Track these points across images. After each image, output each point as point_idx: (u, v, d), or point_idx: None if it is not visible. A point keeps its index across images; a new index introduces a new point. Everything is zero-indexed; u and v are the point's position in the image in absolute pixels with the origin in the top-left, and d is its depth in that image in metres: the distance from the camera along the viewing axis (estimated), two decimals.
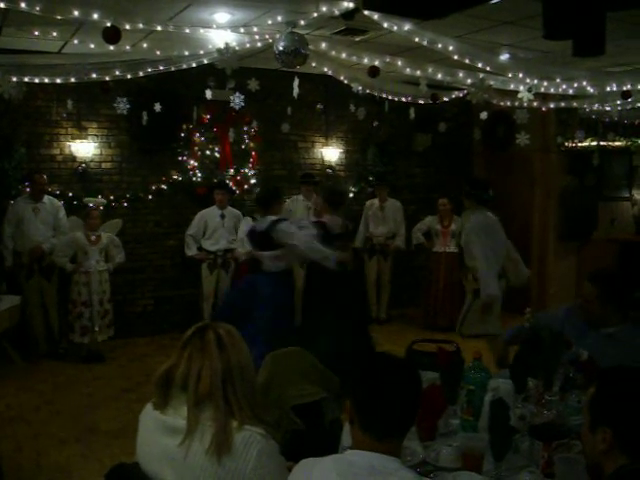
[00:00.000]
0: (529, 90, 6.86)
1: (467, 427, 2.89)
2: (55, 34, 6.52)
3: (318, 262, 6.32)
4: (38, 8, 4.96)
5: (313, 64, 6.90)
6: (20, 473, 4.65)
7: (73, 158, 8.32)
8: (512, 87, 7.45)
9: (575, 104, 8.56)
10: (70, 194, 8.22)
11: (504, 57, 6.98)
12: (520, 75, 6.86)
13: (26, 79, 6.52)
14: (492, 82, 7.33)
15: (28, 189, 7.69)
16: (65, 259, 7.44)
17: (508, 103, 8.42)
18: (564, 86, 7.25)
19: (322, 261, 6.29)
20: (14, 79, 6.22)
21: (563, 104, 8.51)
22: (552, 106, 8.58)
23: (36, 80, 6.71)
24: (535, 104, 8.03)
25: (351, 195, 10.04)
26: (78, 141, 8.30)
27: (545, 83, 7.18)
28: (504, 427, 2.50)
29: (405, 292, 10.12)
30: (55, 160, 8.26)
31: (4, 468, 3.48)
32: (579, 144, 9.71)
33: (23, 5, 4.89)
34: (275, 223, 6.25)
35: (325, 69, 7.36)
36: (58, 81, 6.85)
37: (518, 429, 2.66)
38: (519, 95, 7.01)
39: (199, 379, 2.06)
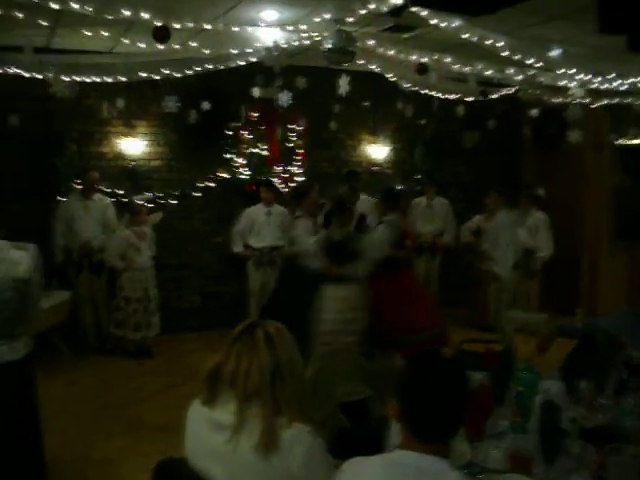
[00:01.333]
0: (581, 86, 6.74)
1: (516, 429, 2.84)
2: (106, 34, 6.60)
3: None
4: (90, 9, 5.05)
5: (361, 61, 6.88)
6: (67, 466, 4.72)
7: (123, 156, 8.45)
8: (563, 83, 7.33)
9: (629, 100, 8.37)
10: (120, 192, 8.35)
11: (555, 53, 6.85)
12: (572, 71, 6.74)
13: (78, 78, 6.63)
14: (543, 78, 7.22)
15: (79, 186, 7.82)
16: (117, 258, 7.53)
17: (559, 100, 8.29)
18: (617, 82, 7.10)
19: None
20: (66, 79, 6.33)
21: (616, 100, 8.33)
22: (605, 102, 8.42)
23: (87, 79, 6.83)
24: (587, 100, 7.89)
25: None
26: (128, 139, 8.43)
27: (598, 79, 7.04)
28: (555, 429, 2.46)
29: (453, 291, 10.02)
30: (105, 158, 8.39)
31: (52, 460, 3.54)
32: (632, 141, 9.50)
33: (75, 6, 4.98)
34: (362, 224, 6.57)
35: (373, 66, 7.34)
36: (109, 80, 6.97)
37: (569, 432, 2.61)
38: (571, 91, 6.89)
39: (247, 376, 2.07)
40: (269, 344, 2.10)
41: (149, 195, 8.26)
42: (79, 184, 7.83)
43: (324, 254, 6.49)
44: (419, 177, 10.02)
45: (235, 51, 6.62)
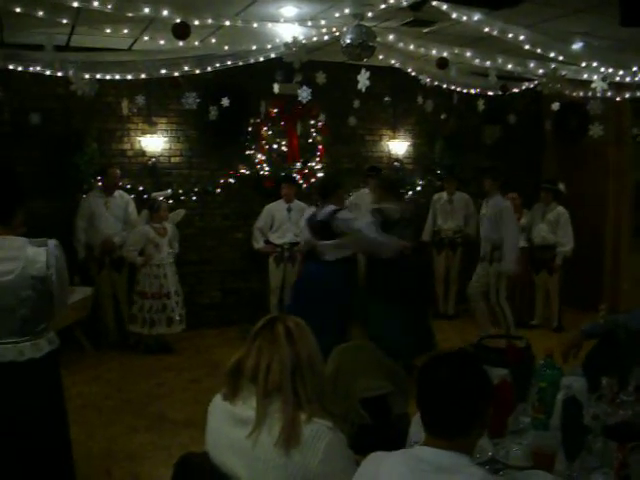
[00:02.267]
0: (603, 79, 6.67)
1: (538, 425, 2.83)
2: (126, 31, 6.65)
3: (376, 251, 6.49)
4: (109, 6, 5.08)
5: (380, 56, 6.88)
6: (91, 460, 4.78)
7: (143, 153, 8.49)
8: (585, 77, 7.28)
9: None
10: (140, 188, 8.39)
11: (577, 46, 6.80)
12: (594, 64, 6.69)
13: (98, 76, 6.67)
14: (564, 72, 7.17)
15: (100, 183, 7.87)
16: (135, 253, 7.56)
17: (581, 93, 8.23)
18: None
19: (380, 250, 6.46)
20: (87, 76, 6.36)
21: (639, 93, 8.26)
22: (627, 96, 8.34)
23: (107, 77, 6.87)
24: (609, 94, 7.83)
25: (418, 188, 9.99)
26: (148, 136, 8.46)
27: (620, 72, 6.98)
28: (577, 426, 2.44)
29: None
30: (126, 155, 8.44)
31: (76, 455, 3.57)
32: None
33: (95, 3, 5.02)
34: (335, 212, 6.32)
35: (393, 61, 7.33)
36: (129, 77, 7.01)
37: (591, 428, 2.59)
38: (593, 85, 6.82)
39: (268, 372, 2.08)
40: (289, 339, 2.11)
41: (169, 191, 8.27)
42: (101, 181, 7.87)
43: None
44: (439, 172, 9.99)
45: (254, 47, 6.64)
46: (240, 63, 6.92)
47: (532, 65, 7.04)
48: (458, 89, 8.49)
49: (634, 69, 6.92)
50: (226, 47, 6.63)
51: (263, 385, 2.08)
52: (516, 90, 8.57)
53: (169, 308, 7.54)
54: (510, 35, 5.87)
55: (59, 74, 6.57)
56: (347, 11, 5.77)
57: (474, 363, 2.08)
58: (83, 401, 6.03)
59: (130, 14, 5.30)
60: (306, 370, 2.09)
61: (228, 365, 2.18)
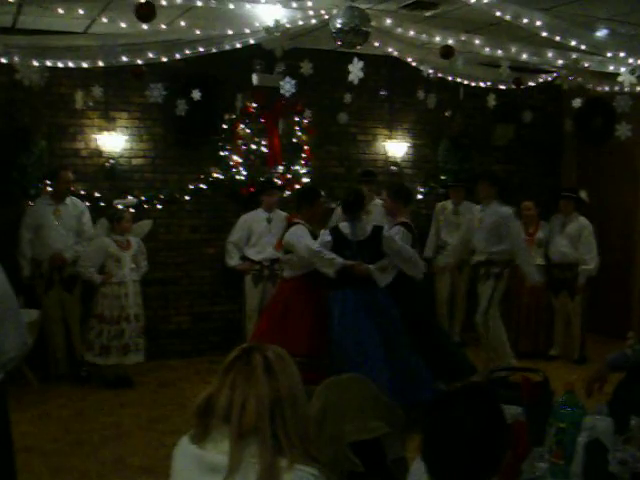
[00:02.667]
0: (632, 72, 6.73)
1: (557, 472, 2.83)
2: (81, 11, 6.64)
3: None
4: None
5: (376, 44, 6.91)
6: None
7: (100, 153, 8.47)
8: (611, 69, 7.34)
9: None
10: (96, 194, 8.37)
11: (601, 33, 6.87)
12: (621, 54, 6.74)
13: (48, 63, 6.67)
14: (587, 63, 7.23)
15: (49, 188, 7.84)
16: (92, 269, 7.52)
17: (606, 88, 8.29)
18: None
19: (321, 268, 6.54)
20: (35, 63, 6.36)
21: None
22: None
23: (59, 64, 6.86)
24: (639, 89, 7.88)
25: (419, 197, 10.00)
26: (106, 133, 8.45)
27: None
28: (601, 473, 2.45)
29: None
30: (79, 155, 8.42)
31: None
32: None
33: None
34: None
35: (390, 49, 7.36)
36: (84, 65, 7.01)
37: (618, 476, 2.60)
38: (620, 78, 6.88)
39: (243, 410, 2.06)
40: (268, 373, 2.10)
41: (134, 200, 8.25)
42: (50, 186, 7.83)
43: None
44: (443, 178, 10.02)
45: (230, 32, 6.65)
46: (213, 50, 6.93)
47: (550, 55, 7.10)
48: (465, 82, 8.54)
49: None
50: (197, 31, 6.65)
51: (237, 426, 2.06)
52: (532, 84, 8.64)
53: (127, 334, 7.50)
54: (525, 20, 5.91)
55: (2, 60, 6.56)
56: None
57: (493, 402, 2.07)
58: (27, 443, 5.95)
59: None
60: (287, 409, 2.08)
61: (196, 402, 2.16)
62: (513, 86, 8.43)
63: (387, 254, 6.52)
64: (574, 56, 7.02)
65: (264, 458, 2.01)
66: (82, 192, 8.25)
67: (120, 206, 7.88)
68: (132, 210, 8.11)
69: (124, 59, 6.81)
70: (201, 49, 6.88)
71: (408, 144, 10.06)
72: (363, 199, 6.80)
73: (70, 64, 6.93)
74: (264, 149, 9.11)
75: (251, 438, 2.05)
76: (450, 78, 8.37)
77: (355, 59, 6.13)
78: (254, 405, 2.05)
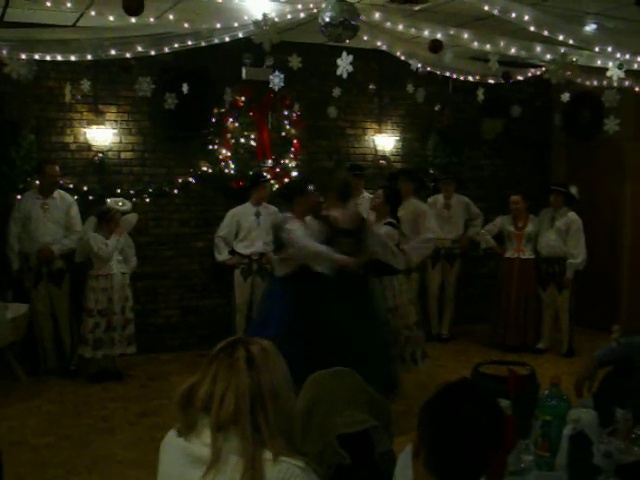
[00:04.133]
0: (620, 67, 6.74)
1: (542, 465, 2.85)
2: (69, 5, 6.60)
3: (311, 265, 6.63)
4: None
5: (365, 37, 6.90)
6: None
7: (88, 147, 8.45)
8: (599, 63, 7.35)
9: None
10: (85, 188, 8.35)
11: (590, 28, 6.89)
12: (609, 49, 6.76)
13: (36, 56, 6.64)
14: (575, 58, 7.23)
15: (37, 182, 7.81)
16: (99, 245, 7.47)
17: (594, 83, 8.31)
18: None
19: (313, 264, 6.60)
20: (23, 56, 6.34)
21: None
22: None
23: (47, 58, 6.84)
24: (627, 83, 7.91)
25: None
26: (94, 127, 8.43)
27: (638, 58, 7.06)
28: (586, 465, 2.46)
29: (471, 305, 10.04)
30: (68, 149, 8.40)
31: None
32: None
33: None
34: (284, 221, 6.59)
35: (379, 43, 7.36)
36: (72, 59, 6.98)
37: (603, 468, 2.62)
38: (608, 73, 6.89)
39: (222, 401, 2.07)
40: (250, 365, 2.10)
41: (129, 204, 8.15)
42: (37, 179, 7.81)
43: None
44: (433, 172, 10.03)
45: (219, 25, 6.64)
46: (202, 44, 6.92)
47: (538, 49, 7.10)
48: (454, 76, 8.55)
49: None
50: (186, 25, 6.62)
51: (216, 417, 2.07)
52: (520, 78, 8.64)
53: (116, 326, 7.53)
54: (513, 15, 5.91)
55: None
56: None
57: (492, 399, 2.09)
58: (15, 438, 5.96)
59: None
60: (269, 401, 2.08)
61: (179, 392, 2.17)
62: (502, 80, 8.44)
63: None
64: (562, 50, 7.02)
65: (244, 450, 2.02)
66: (71, 186, 8.23)
67: (115, 206, 7.80)
68: (124, 209, 8.06)
69: (113, 52, 6.79)
70: (190, 43, 6.86)
71: (397, 138, 10.06)
72: (298, 188, 7.03)
73: (59, 57, 6.91)
74: (253, 143, 9.10)
75: (231, 430, 2.06)
76: (439, 72, 8.38)
77: (344, 53, 6.12)
78: (232, 397, 2.06)
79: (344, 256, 6.50)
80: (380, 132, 9.97)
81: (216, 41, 6.92)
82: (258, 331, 6.42)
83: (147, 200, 8.70)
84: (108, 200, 8.05)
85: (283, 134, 9.26)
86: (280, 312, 6.61)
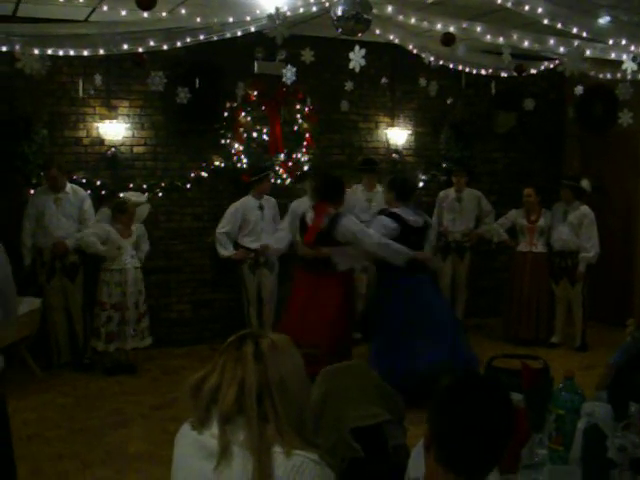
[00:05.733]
0: (633, 59, 6.71)
1: (556, 458, 2.85)
2: (82, 0, 6.63)
3: (388, 260, 6.70)
4: None
5: (377, 31, 6.89)
6: None
7: (101, 141, 8.48)
8: (613, 56, 7.31)
9: None
10: (98, 182, 8.37)
11: (604, 20, 6.84)
12: (623, 42, 6.72)
13: (49, 51, 6.64)
14: (589, 51, 7.20)
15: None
16: (95, 239, 7.50)
17: (608, 76, 8.26)
18: None
19: (393, 260, 6.65)
20: (36, 52, 6.34)
21: None
22: None
23: (60, 53, 6.84)
24: None
25: (421, 184, 9.99)
26: (107, 122, 8.45)
27: None
28: (600, 459, 2.46)
29: (484, 298, 10.03)
30: (81, 144, 8.42)
31: None
32: None
33: None
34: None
35: (391, 37, 7.34)
36: (85, 53, 6.97)
37: (617, 462, 2.61)
38: (623, 66, 6.86)
39: (228, 393, 2.07)
40: (257, 359, 2.10)
41: (144, 198, 8.17)
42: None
43: None
44: (445, 165, 10.01)
45: (231, 19, 6.63)
46: (214, 38, 6.90)
47: (552, 42, 7.06)
48: (467, 70, 8.52)
49: None
50: (198, 19, 6.61)
51: (222, 408, 2.08)
52: (534, 71, 8.59)
53: (130, 320, 7.56)
54: (526, 7, 5.88)
55: (3, 49, 6.53)
56: None
57: (503, 391, 2.09)
58: (29, 431, 6.00)
59: None
60: (277, 395, 2.08)
61: (188, 383, 2.18)
62: (515, 73, 8.40)
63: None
64: (576, 43, 6.99)
65: (251, 443, 2.02)
66: (83, 180, 8.25)
67: (131, 200, 7.82)
68: (140, 203, 8.08)
69: (125, 47, 6.78)
70: (202, 37, 6.84)
71: (409, 132, 10.05)
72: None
73: (71, 52, 6.90)
74: (265, 137, 9.11)
75: (239, 422, 2.06)
76: (451, 66, 8.34)
77: (356, 47, 6.10)
78: (237, 388, 2.07)
79: (423, 252, 7.01)
80: (392, 126, 9.95)
81: (228, 35, 6.90)
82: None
83: (159, 194, 8.71)
84: (123, 194, 8.07)
85: (295, 128, 9.27)
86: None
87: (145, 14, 5.94)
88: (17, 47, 6.23)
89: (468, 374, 2.14)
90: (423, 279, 6.99)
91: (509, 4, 5.82)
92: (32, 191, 7.82)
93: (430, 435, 2.04)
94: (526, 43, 7.09)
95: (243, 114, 8.95)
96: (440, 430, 2.02)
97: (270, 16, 6.08)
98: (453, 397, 2.04)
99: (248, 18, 6.60)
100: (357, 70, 6.24)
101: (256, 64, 8.12)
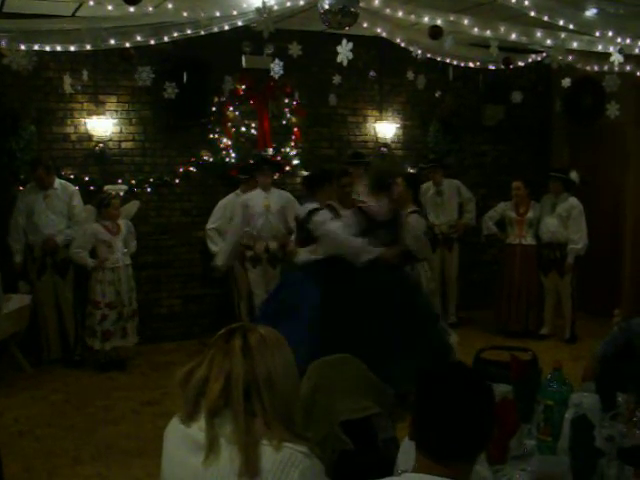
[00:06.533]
0: (620, 52, 6.74)
1: (544, 449, 2.86)
2: None
3: (346, 258, 6.49)
4: None
5: (365, 24, 6.88)
6: None
7: (89, 137, 8.46)
8: (600, 48, 7.33)
9: None
10: (86, 178, 8.36)
11: (590, 13, 6.85)
12: (610, 34, 6.74)
13: (36, 47, 6.63)
14: (576, 43, 7.22)
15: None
16: (85, 253, 7.54)
17: (595, 68, 8.29)
18: None
19: (351, 257, 6.47)
20: (22, 47, 6.32)
21: None
22: None
23: (47, 48, 6.82)
24: (628, 68, 7.89)
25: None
26: (95, 117, 8.43)
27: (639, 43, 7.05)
28: (588, 449, 2.47)
29: (473, 291, 10.05)
30: (69, 139, 8.40)
31: None
32: None
33: None
34: (312, 212, 6.39)
35: (379, 30, 7.34)
36: (72, 49, 6.96)
37: (605, 451, 2.63)
38: (611, 58, 6.88)
39: (215, 386, 2.08)
40: (245, 353, 2.11)
41: (124, 187, 8.23)
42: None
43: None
44: (422, 165, 9.97)
45: (218, 14, 6.62)
46: (202, 32, 6.89)
47: (539, 35, 7.08)
48: (454, 63, 8.52)
49: None
50: (185, 13, 6.60)
51: (209, 401, 2.09)
52: (521, 64, 8.61)
53: (123, 317, 7.58)
54: (513, 0, 5.90)
55: None
56: None
57: (484, 381, 2.10)
58: (19, 428, 6.00)
59: None
60: (265, 389, 2.08)
61: (178, 375, 2.18)
62: (502, 66, 8.41)
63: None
64: (563, 36, 7.01)
65: (238, 436, 2.03)
66: (72, 176, 8.23)
67: (112, 191, 7.85)
68: (121, 194, 8.09)
69: (112, 42, 6.76)
70: (189, 31, 6.83)
71: (398, 125, 10.06)
72: (321, 177, 6.85)
73: (58, 48, 6.88)
74: (254, 131, 9.10)
75: (227, 416, 2.07)
76: (439, 59, 8.35)
77: (344, 40, 6.11)
78: (223, 382, 2.07)
79: (384, 249, 6.52)
80: (381, 119, 9.96)
81: (215, 29, 6.89)
82: (281, 318, 6.27)
83: (148, 190, 8.71)
84: (106, 187, 8.07)
85: (284, 122, 9.27)
86: (314, 297, 6.42)
87: (131, 9, 5.92)
88: (3, 43, 6.21)
89: (448, 363, 2.16)
90: None
91: None
92: (21, 188, 7.80)
93: (413, 424, 2.06)
94: (513, 36, 7.10)
95: (231, 109, 8.94)
96: (420, 417, 2.04)
97: (257, 10, 6.08)
98: (427, 387, 2.06)
99: (235, 12, 6.59)
100: (345, 64, 6.24)
101: (244, 58, 8.09)
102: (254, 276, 8.06)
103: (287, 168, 9.18)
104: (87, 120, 8.42)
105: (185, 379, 2.16)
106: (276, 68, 7.07)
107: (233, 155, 8.91)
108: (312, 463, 2.06)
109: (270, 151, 9.09)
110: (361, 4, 5.91)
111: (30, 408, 6.51)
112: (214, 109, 8.87)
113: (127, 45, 6.88)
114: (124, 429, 6.04)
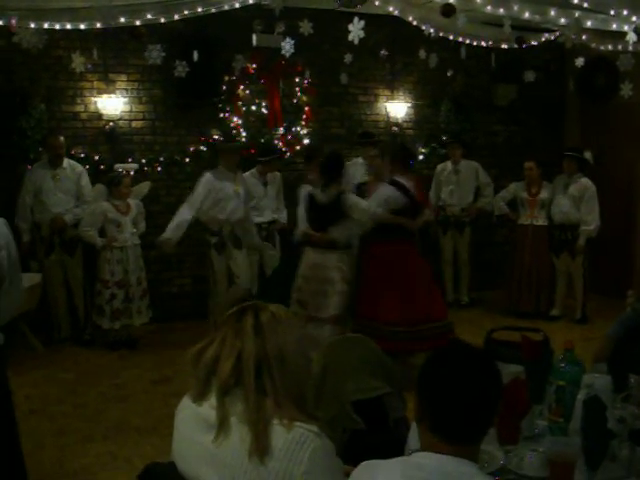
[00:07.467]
0: (635, 31, 6.68)
1: (556, 430, 2.86)
2: None
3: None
4: None
5: (376, 3, 6.84)
6: (41, 473, 4.79)
7: (99, 116, 8.46)
8: (614, 27, 7.27)
9: None
10: (96, 157, 8.36)
11: None
12: (625, 12, 6.68)
13: (46, 25, 6.61)
14: (590, 22, 7.16)
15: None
16: (93, 232, 7.56)
17: (609, 47, 8.22)
18: None
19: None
20: (32, 25, 6.31)
21: None
22: None
23: (57, 26, 6.80)
24: None
25: (421, 157, 9.97)
26: (105, 96, 8.42)
27: None
28: (600, 430, 2.47)
29: (485, 272, 10.04)
30: (79, 118, 8.40)
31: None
32: None
33: None
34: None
35: (390, 8, 7.29)
36: (82, 27, 6.94)
37: (616, 433, 2.63)
38: (627, 37, 6.82)
39: (226, 365, 2.09)
40: (257, 331, 2.11)
41: (135, 165, 8.24)
42: (44, 152, 7.81)
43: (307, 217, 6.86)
44: (445, 138, 9.98)
45: None
46: (212, 10, 6.86)
47: (553, 13, 7.02)
48: (467, 41, 8.46)
49: None
50: None
51: (220, 380, 2.09)
52: (534, 43, 8.55)
53: (132, 296, 7.63)
54: None
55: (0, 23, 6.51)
56: None
57: (490, 359, 2.11)
58: (31, 406, 6.04)
59: None
60: (276, 367, 2.08)
61: (188, 354, 2.19)
62: (515, 45, 8.35)
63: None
64: (577, 14, 6.95)
65: (248, 414, 2.04)
66: (82, 155, 8.24)
67: (120, 169, 7.86)
68: (132, 173, 8.11)
69: (122, 20, 6.74)
70: (200, 9, 6.80)
71: (409, 104, 10.02)
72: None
73: (68, 26, 6.87)
74: (264, 110, 9.08)
75: (237, 394, 2.08)
76: (451, 37, 8.30)
77: (356, 18, 6.06)
78: (234, 361, 2.08)
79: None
80: (392, 99, 9.92)
81: (226, 7, 6.86)
82: None
83: (158, 169, 8.71)
84: (116, 165, 8.08)
85: (294, 101, 9.24)
86: None
87: None
88: (13, 21, 6.19)
89: (453, 343, 2.17)
90: None
91: None
92: (30, 167, 7.81)
93: (420, 406, 2.06)
94: (527, 14, 7.04)
95: (242, 87, 8.92)
96: (428, 400, 2.05)
97: None
98: (435, 366, 2.07)
99: None
100: (356, 42, 6.21)
101: (254, 37, 8.05)
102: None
103: (297, 147, 9.16)
104: (97, 99, 8.41)
105: (196, 358, 2.17)
106: (287, 47, 7.03)
107: (244, 134, 8.89)
108: (323, 443, 2.06)
109: (281, 130, 9.07)
110: None
111: (41, 387, 6.56)
112: (225, 88, 8.84)
113: (137, 23, 6.84)
114: (135, 408, 6.08)
